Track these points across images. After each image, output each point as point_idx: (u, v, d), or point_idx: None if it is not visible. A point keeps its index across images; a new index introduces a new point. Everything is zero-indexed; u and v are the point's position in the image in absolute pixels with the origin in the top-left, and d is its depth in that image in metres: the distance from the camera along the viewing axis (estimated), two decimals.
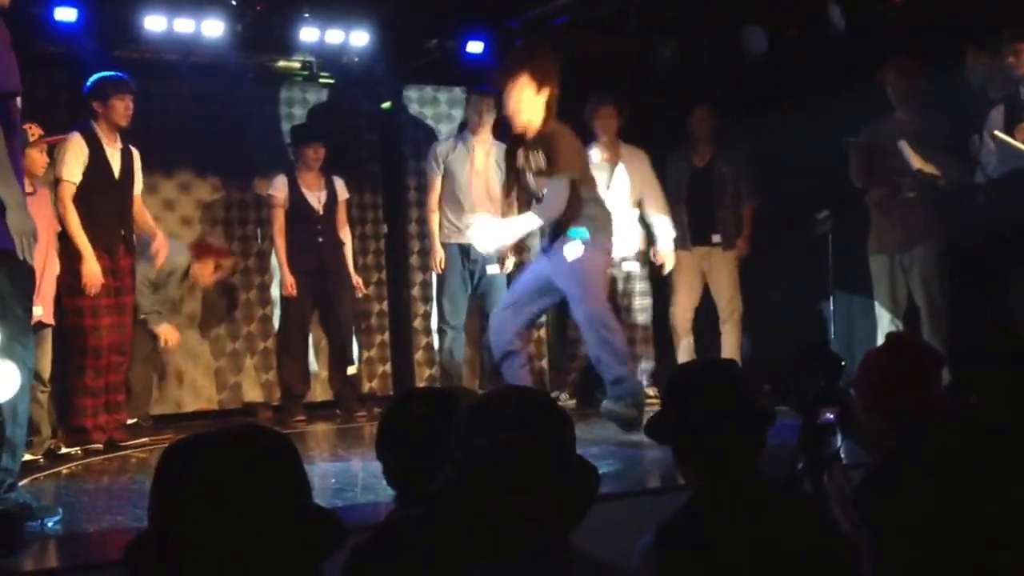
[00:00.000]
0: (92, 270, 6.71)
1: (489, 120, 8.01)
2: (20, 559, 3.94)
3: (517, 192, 6.85)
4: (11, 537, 3.88)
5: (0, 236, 4.33)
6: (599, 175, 7.99)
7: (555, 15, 8.24)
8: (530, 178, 6.60)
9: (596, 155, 8.07)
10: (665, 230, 8.29)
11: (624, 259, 8.26)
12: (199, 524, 1.75)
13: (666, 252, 8.27)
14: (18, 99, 4.44)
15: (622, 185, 8.22)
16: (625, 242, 8.17)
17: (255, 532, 1.75)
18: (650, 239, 8.38)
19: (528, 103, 6.43)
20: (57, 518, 4.66)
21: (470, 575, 1.99)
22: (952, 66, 7.00)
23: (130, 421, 7.45)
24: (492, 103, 7.73)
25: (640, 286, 8.38)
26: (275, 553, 1.76)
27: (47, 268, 6.28)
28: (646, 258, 8.39)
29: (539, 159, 6.50)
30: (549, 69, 6.44)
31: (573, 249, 6.44)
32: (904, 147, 7.01)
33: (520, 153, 6.64)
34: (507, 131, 6.83)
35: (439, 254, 8.12)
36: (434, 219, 8.15)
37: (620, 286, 8.36)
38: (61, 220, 6.70)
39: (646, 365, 8.33)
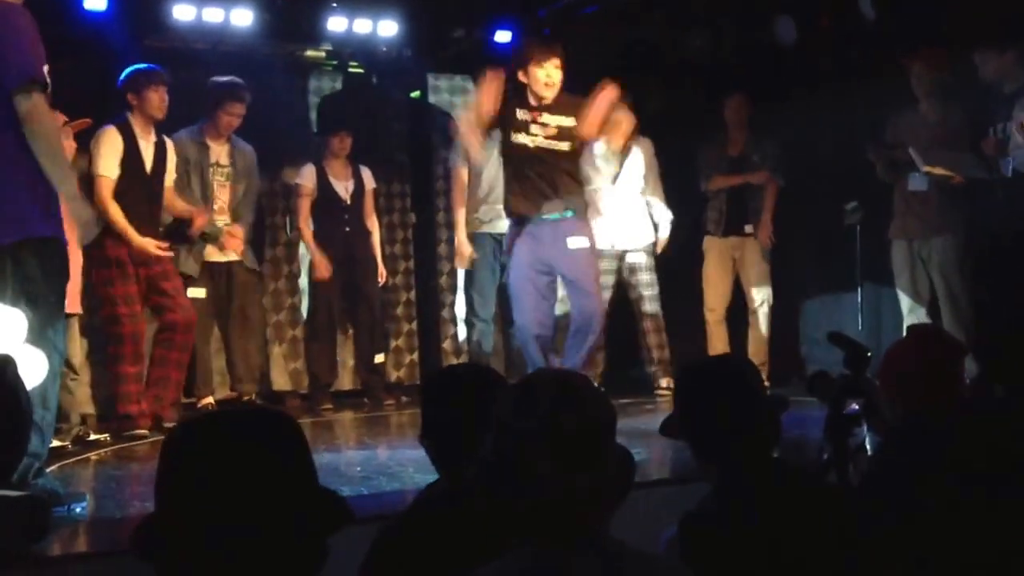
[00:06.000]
0: (142, 243, 6.70)
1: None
2: (47, 545, 3.95)
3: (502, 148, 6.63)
4: (38, 523, 3.90)
5: (31, 223, 4.35)
6: (608, 167, 7.96)
7: (583, 4, 8.22)
8: (536, 140, 6.43)
9: (600, 146, 7.72)
10: (664, 218, 8.25)
11: (628, 251, 8.18)
12: (202, 505, 1.77)
13: (664, 240, 8.26)
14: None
15: (633, 175, 8.17)
16: (633, 233, 8.12)
17: (257, 511, 1.77)
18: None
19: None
20: (84, 504, 4.67)
21: (512, 555, 1.99)
22: (975, 58, 6.94)
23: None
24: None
25: (646, 277, 8.24)
26: (278, 531, 1.78)
27: (71, 257, 6.28)
28: (653, 249, 8.29)
29: (562, 120, 6.40)
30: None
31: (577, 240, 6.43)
32: (912, 151, 6.99)
33: (528, 113, 6.44)
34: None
35: (467, 250, 8.03)
36: (461, 215, 8.08)
37: (625, 277, 8.26)
38: (102, 214, 6.65)
39: (658, 355, 8.27)
